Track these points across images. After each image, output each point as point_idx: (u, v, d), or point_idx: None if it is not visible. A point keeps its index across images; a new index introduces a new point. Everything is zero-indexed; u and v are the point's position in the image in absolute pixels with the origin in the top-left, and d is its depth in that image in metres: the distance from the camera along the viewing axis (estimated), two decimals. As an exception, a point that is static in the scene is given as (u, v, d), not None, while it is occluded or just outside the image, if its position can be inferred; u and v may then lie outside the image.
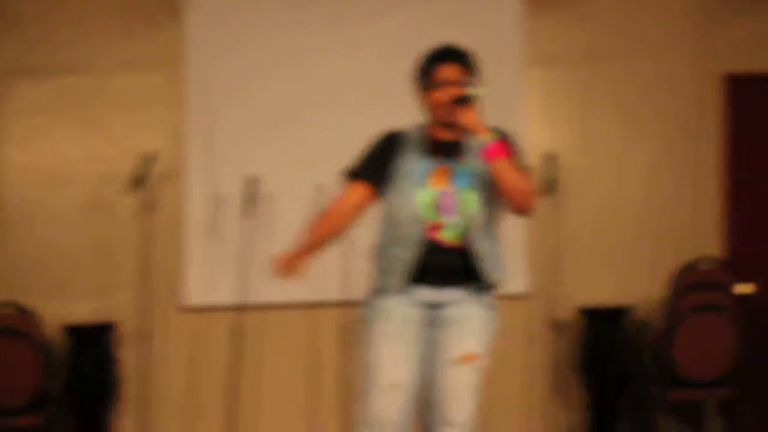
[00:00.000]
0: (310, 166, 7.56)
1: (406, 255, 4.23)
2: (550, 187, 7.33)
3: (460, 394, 4.28)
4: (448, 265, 4.27)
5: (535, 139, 7.76)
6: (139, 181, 7.27)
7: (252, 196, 7.34)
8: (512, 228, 7.65)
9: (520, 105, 7.76)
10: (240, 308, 7.36)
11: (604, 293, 7.73)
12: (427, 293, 4.30)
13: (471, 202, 4.27)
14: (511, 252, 7.51)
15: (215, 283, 7.62)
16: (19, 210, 7.72)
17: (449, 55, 4.41)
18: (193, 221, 7.66)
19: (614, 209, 7.82)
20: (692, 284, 7.40)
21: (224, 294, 7.55)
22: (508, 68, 7.74)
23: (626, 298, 7.68)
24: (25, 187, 7.73)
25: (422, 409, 4.34)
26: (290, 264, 4.32)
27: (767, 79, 7.92)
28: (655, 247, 7.79)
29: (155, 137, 7.70)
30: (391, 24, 7.67)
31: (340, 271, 7.27)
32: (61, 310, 7.57)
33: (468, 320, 4.31)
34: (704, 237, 7.80)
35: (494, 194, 4.30)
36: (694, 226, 7.82)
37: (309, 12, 7.76)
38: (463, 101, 4.24)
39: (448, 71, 4.36)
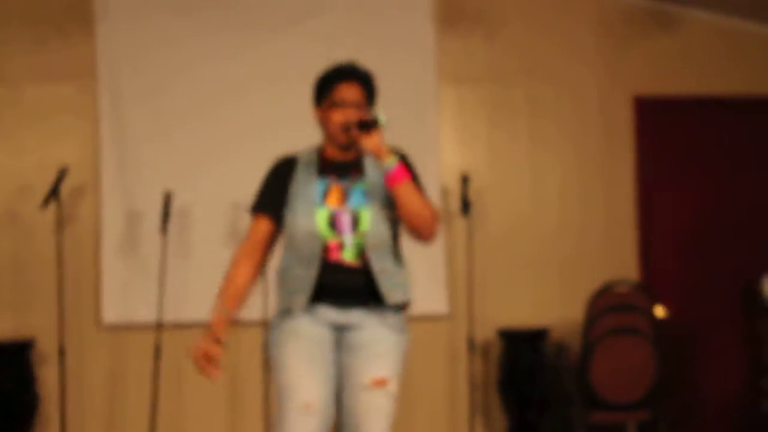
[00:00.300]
0: (225, 181, 7.56)
1: (308, 273, 4.19)
2: (464, 208, 7.36)
3: (374, 419, 4.20)
4: (348, 285, 4.22)
5: (448, 158, 7.82)
6: (53, 195, 7.21)
7: (167, 211, 7.30)
8: (429, 248, 7.70)
9: (434, 123, 7.81)
10: (159, 326, 7.32)
11: (522, 314, 7.78)
12: (332, 314, 4.24)
13: (365, 220, 4.23)
14: (429, 272, 7.67)
15: (133, 300, 7.58)
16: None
17: (351, 74, 4.36)
18: (109, 237, 7.63)
19: (528, 230, 7.88)
20: (609, 306, 7.45)
21: (142, 311, 7.52)
22: (420, 86, 7.79)
23: (543, 319, 7.74)
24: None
25: None
26: (209, 353, 4.18)
27: (676, 101, 8.04)
28: (570, 269, 7.86)
29: (69, 149, 7.65)
30: (302, 36, 7.67)
31: (261, 291, 7.26)
32: (-25, 326, 7.51)
33: (376, 344, 4.24)
34: (619, 259, 7.88)
35: (393, 213, 4.28)
36: (609, 247, 7.90)
37: (217, 18, 7.73)
38: (367, 126, 4.19)
39: (348, 91, 4.31)
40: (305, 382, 4.16)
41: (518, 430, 7.52)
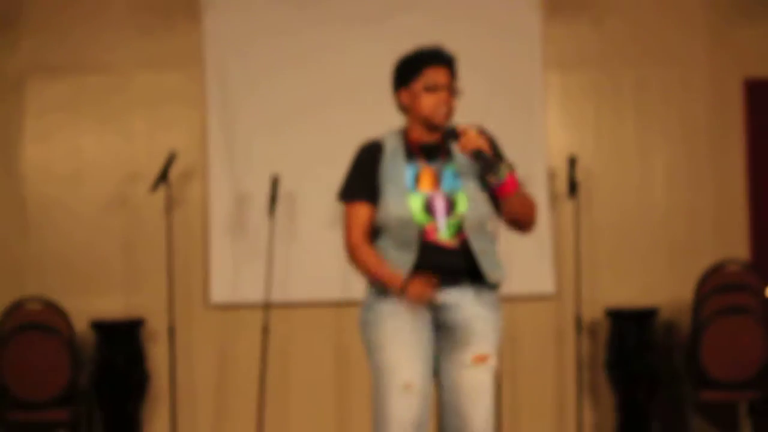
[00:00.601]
0: (330, 164, 7.59)
1: (406, 257, 4.18)
2: (571, 189, 7.32)
3: (477, 396, 4.22)
4: (447, 266, 4.20)
5: (556, 142, 7.77)
6: (162, 179, 7.32)
7: (275, 194, 7.37)
8: (536, 229, 7.67)
9: (540, 108, 7.77)
10: (266, 305, 7.39)
11: (630, 295, 7.72)
12: (431, 299, 4.21)
13: (462, 203, 4.22)
14: (537, 253, 7.66)
15: (241, 280, 7.66)
16: (40, 207, 7.80)
17: (440, 57, 4.33)
18: (218, 219, 7.72)
19: (637, 211, 7.81)
20: (719, 286, 7.39)
21: (250, 291, 7.60)
22: (528, 71, 7.77)
23: (652, 299, 7.67)
24: (46, 185, 7.82)
25: (441, 414, 4.28)
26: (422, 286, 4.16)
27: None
28: (679, 249, 7.77)
29: (177, 136, 7.75)
30: (408, 22, 7.65)
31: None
32: (88, 306, 7.64)
33: (475, 321, 4.24)
34: (729, 239, 7.78)
35: (487, 193, 4.27)
36: (719, 228, 7.80)
37: (326, 10, 7.78)
38: (484, 162, 4.16)
39: (439, 75, 4.28)
40: (405, 362, 4.16)
41: (626, 410, 7.47)
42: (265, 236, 7.44)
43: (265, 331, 7.39)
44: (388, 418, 4.16)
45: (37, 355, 7.33)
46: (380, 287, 4.23)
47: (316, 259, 7.66)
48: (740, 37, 7.85)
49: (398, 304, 4.19)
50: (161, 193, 7.47)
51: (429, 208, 4.22)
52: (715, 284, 7.41)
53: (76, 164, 7.80)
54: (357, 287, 7.46)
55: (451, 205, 4.23)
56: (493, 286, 4.30)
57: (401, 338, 4.19)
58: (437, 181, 4.26)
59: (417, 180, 4.26)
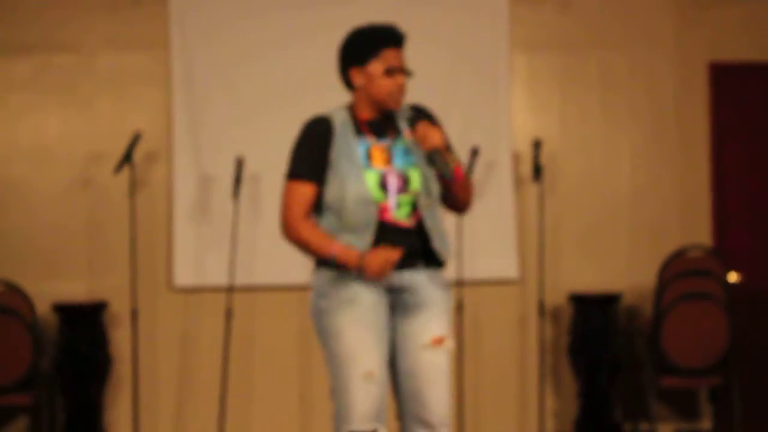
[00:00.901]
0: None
1: (362, 239, 4.11)
2: (536, 173, 7.31)
3: (436, 378, 4.18)
4: (405, 246, 4.13)
5: (521, 125, 7.78)
6: (126, 161, 7.28)
7: (239, 176, 7.33)
8: (500, 214, 7.70)
9: (505, 90, 7.75)
10: (230, 289, 7.38)
11: (593, 280, 7.75)
12: (388, 276, 4.14)
13: (415, 179, 4.18)
14: (500, 237, 7.67)
15: (205, 264, 7.64)
16: (4, 188, 7.72)
17: (398, 38, 4.24)
18: (182, 201, 7.68)
19: (601, 196, 7.83)
20: (682, 272, 7.41)
21: (214, 274, 7.58)
22: (494, 52, 7.75)
23: (615, 284, 7.70)
24: (9, 165, 7.74)
25: (398, 399, 4.25)
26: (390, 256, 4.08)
27: (752, 68, 7.93)
28: (643, 235, 7.80)
29: (142, 116, 7.70)
30: (377, 5, 7.62)
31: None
32: (51, 289, 7.59)
33: (431, 303, 4.21)
34: (693, 225, 7.81)
35: (432, 174, 4.22)
36: (682, 213, 7.83)
37: None
38: (436, 163, 4.13)
39: (399, 58, 4.21)
40: (365, 351, 4.12)
41: (588, 395, 7.50)
42: (230, 219, 7.42)
43: (229, 314, 7.37)
44: (351, 409, 4.11)
45: (-2, 338, 7.30)
46: (332, 269, 4.14)
47: (280, 242, 7.53)
48: (706, 19, 7.87)
49: (354, 290, 4.13)
50: (125, 174, 7.44)
51: (384, 185, 4.15)
52: (677, 270, 7.44)
53: (41, 144, 7.73)
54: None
55: (405, 182, 4.17)
56: (441, 265, 4.26)
57: (359, 326, 4.12)
58: (388, 157, 4.20)
59: (369, 157, 4.18)
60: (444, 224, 4.29)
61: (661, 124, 7.85)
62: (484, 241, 7.62)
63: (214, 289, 7.57)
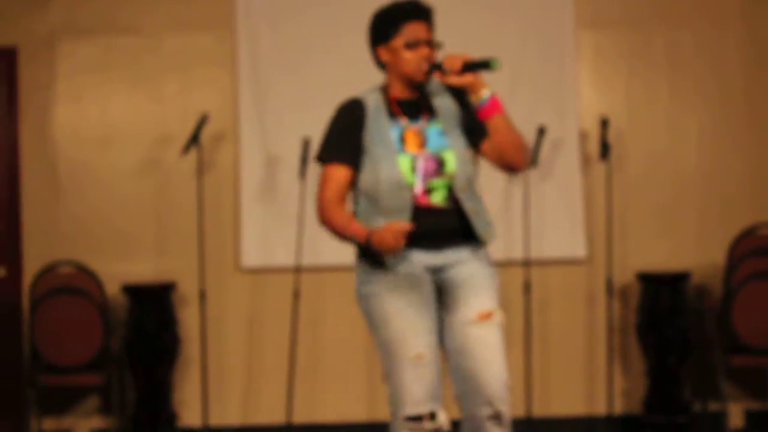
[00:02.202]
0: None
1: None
2: (603, 151, 7.26)
3: (488, 355, 4.11)
4: (441, 227, 4.13)
5: (587, 102, 7.72)
6: (193, 142, 7.31)
7: (305, 157, 7.34)
8: (568, 193, 7.66)
9: (572, 68, 7.69)
10: (297, 269, 7.40)
11: (661, 258, 7.68)
12: (427, 257, 4.14)
13: (450, 162, 4.14)
14: (568, 216, 7.62)
15: (272, 244, 7.66)
16: (72, 170, 7.78)
17: (420, 11, 4.21)
18: (249, 182, 7.70)
19: (669, 174, 7.75)
20: (752, 250, 7.35)
21: (281, 255, 7.60)
22: (560, 30, 7.69)
23: (684, 263, 7.63)
24: (76, 148, 7.80)
25: (454, 379, 4.19)
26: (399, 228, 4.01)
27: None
28: (712, 213, 7.72)
29: (208, 98, 7.72)
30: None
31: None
32: (120, 270, 7.65)
33: (475, 278, 4.16)
34: (762, 202, 7.71)
35: (473, 153, 4.20)
36: (752, 191, 7.74)
37: None
38: (478, 67, 4.07)
39: (421, 29, 4.18)
40: (413, 333, 4.08)
41: (657, 374, 7.45)
42: (296, 200, 7.43)
43: (296, 295, 7.39)
44: (404, 393, 4.07)
45: (69, 319, 7.37)
46: (370, 259, 4.13)
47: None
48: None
49: (397, 273, 4.11)
50: (192, 156, 7.48)
51: (417, 169, 4.12)
52: (747, 247, 7.38)
53: (107, 127, 7.78)
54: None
55: (440, 165, 4.14)
56: (484, 244, 4.23)
57: (405, 310, 4.09)
58: (423, 140, 4.17)
59: (403, 140, 4.16)
60: (485, 204, 4.25)
61: (729, 103, 7.76)
62: (551, 221, 7.58)
63: (282, 270, 7.60)
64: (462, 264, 4.19)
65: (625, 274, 7.65)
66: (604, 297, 7.56)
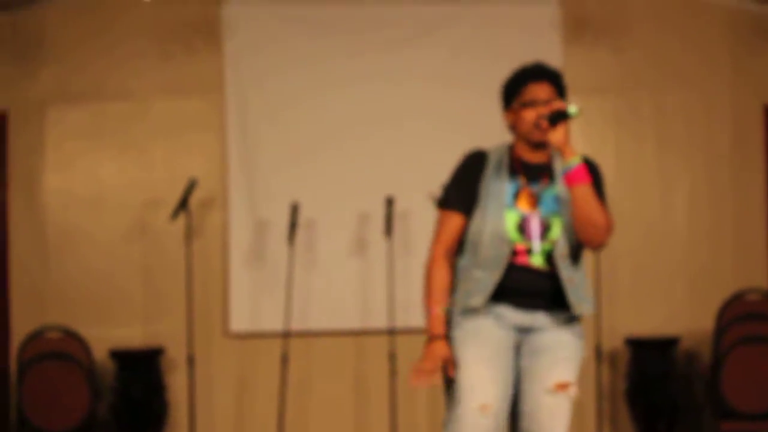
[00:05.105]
0: (350, 192, 7.62)
1: (490, 276, 4.10)
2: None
3: (555, 425, 4.14)
4: (535, 287, 4.13)
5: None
6: (182, 207, 7.33)
7: (294, 222, 7.36)
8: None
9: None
10: (286, 334, 7.39)
11: (650, 324, 7.69)
12: (516, 315, 4.16)
13: (556, 228, 4.15)
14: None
15: (261, 309, 7.66)
16: (61, 234, 7.81)
17: (541, 73, 4.29)
18: (238, 247, 7.73)
19: (657, 239, 7.79)
20: (739, 316, 7.35)
21: (270, 320, 7.60)
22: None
23: (673, 328, 7.65)
24: (66, 213, 7.82)
25: None
26: (430, 371, 4.10)
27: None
28: (700, 278, 7.75)
29: (197, 163, 7.77)
30: (428, 52, 7.69)
31: (387, 300, 7.29)
32: (108, 335, 7.64)
33: (561, 348, 4.16)
34: (749, 268, 7.75)
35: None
36: (740, 256, 7.77)
37: (347, 39, 7.80)
38: (558, 118, 4.13)
39: (539, 90, 4.24)
40: (484, 384, 4.09)
41: (647, 439, 7.45)
42: (285, 264, 7.44)
43: (285, 360, 7.38)
44: None
45: (56, 384, 7.34)
46: (462, 306, 4.16)
47: (335, 287, 7.67)
48: (761, 62, 7.84)
49: (482, 323, 4.13)
50: (181, 221, 7.49)
51: (522, 228, 4.14)
52: (735, 313, 7.38)
53: (97, 192, 7.81)
54: (376, 316, 7.51)
55: (545, 229, 4.15)
56: (578, 316, 4.21)
57: (482, 360, 4.11)
58: (536, 201, 4.18)
59: (516, 197, 4.19)
60: (585, 278, 4.23)
61: (715, 167, 7.81)
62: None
63: (270, 335, 7.59)
64: (551, 330, 4.19)
65: (614, 340, 7.65)
66: (594, 362, 7.55)
